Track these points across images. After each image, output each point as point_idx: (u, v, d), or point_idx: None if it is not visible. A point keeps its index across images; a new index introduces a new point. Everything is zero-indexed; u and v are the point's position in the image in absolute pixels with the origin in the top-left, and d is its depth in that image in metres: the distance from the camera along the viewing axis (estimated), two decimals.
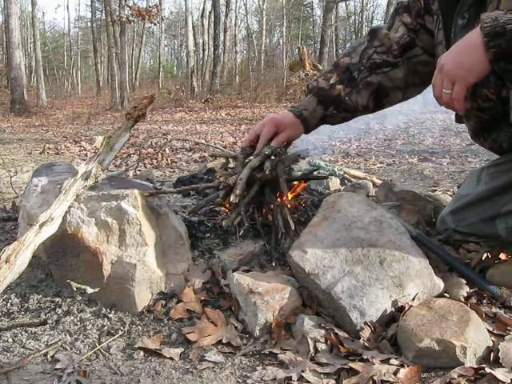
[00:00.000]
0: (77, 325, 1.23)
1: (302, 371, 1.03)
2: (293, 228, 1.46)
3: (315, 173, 1.86)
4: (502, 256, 1.40)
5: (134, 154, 4.40)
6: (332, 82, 1.47)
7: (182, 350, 1.14)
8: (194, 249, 1.50)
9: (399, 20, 1.51)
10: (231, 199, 1.41)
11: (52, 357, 1.11)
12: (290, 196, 1.56)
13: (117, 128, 1.58)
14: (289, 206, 1.56)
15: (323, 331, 1.14)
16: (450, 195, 2.18)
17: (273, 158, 1.52)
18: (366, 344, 1.10)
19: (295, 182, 1.71)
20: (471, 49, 1.06)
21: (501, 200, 1.35)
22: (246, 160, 1.58)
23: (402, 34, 1.49)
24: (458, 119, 1.45)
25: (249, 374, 1.04)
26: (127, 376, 1.05)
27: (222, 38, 17.54)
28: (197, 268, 1.41)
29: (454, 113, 1.38)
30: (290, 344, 1.13)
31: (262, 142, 1.51)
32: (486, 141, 1.44)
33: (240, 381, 1.03)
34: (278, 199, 1.61)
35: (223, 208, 1.70)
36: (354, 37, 29.77)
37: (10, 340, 1.17)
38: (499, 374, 0.97)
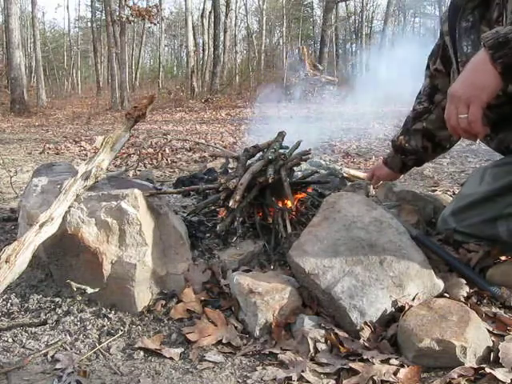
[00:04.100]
0: (77, 325, 1.23)
1: (302, 371, 1.03)
2: (289, 231, 1.47)
3: (316, 175, 1.87)
4: (502, 256, 1.40)
5: (133, 154, 4.39)
6: (398, 135, 1.81)
7: (182, 350, 1.14)
8: (194, 249, 1.50)
9: (426, 72, 1.69)
10: (230, 204, 1.41)
11: (52, 357, 1.11)
12: (293, 203, 1.57)
13: (117, 128, 1.58)
14: (293, 211, 1.58)
15: (323, 331, 1.14)
16: (450, 195, 2.18)
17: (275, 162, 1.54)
18: (366, 344, 1.10)
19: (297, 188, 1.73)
20: (479, 67, 1.08)
21: (503, 201, 1.35)
22: (249, 161, 1.59)
23: (426, 83, 1.69)
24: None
25: (249, 374, 1.04)
26: (127, 376, 1.05)
27: (221, 38, 17.52)
28: (197, 268, 1.40)
29: None
30: (289, 344, 1.13)
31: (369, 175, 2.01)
32: (493, 141, 1.44)
33: (240, 381, 1.03)
34: (279, 202, 1.61)
35: (222, 209, 1.70)
36: (353, 37, 29.75)
37: (10, 340, 1.17)
38: (499, 374, 0.97)
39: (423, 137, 1.73)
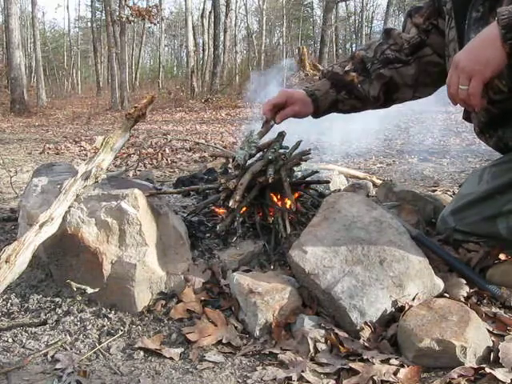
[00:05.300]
0: (77, 325, 1.23)
1: (302, 371, 1.02)
2: (289, 231, 1.47)
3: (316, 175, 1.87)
4: (502, 256, 1.40)
5: (133, 154, 4.40)
6: (347, 69, 1.52)
7: (182, 350, 1.14)
8: (194, 249, 1.50)
9: (411, 22, 1.56)
10: (230, 204, 1.41)
11: (52, 357, 1.11)
12: (292, 202, 1.57)
13: (117, 128, 1.58)
14: (294, 209, 1.57)
15: (323, 331, 1.14)
16: (450, 195, 2.18)
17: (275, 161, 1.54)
18: (366, 344, 1.10)
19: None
20: (488, 43, 1.05)
21: (502, 199, 1.35)
22: (249, 162, 1.58)
23: (413, 34, 1.54)
24: (466, 114, 1.45)
25: (249, 374, 1.04)
26: (127, 376, 1.05)
27: (221, 38, 17.52)
28: (197, 268, 1.40)
29: (462, 109, 1.38)
30: (289, 344, 1.13)
31: (268, 106, 1.50)
32: (492, 138, 1.43)
33: (240, 381, 1.03)
34: (279, 202, 1.61)
35: (221, 210, 1.70)
36: (353, 37, 29.76)
37: (10, 340, 1.17)
38: (499, 374, 0.97)
39: (383, 86, 1.53)
